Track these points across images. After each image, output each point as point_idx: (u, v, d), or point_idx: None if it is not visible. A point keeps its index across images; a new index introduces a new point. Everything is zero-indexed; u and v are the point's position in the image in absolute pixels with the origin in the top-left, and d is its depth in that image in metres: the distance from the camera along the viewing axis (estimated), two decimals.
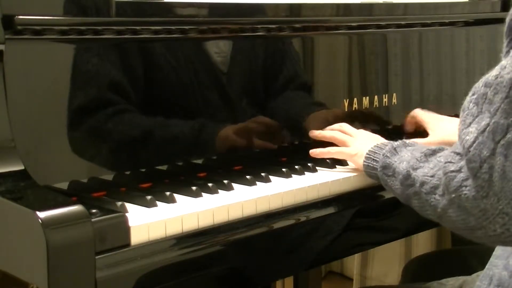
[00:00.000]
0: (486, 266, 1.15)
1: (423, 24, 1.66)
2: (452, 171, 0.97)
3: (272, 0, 1.37)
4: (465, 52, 1.78)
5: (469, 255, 1.55)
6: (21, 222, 0.92)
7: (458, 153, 0.98)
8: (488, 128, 0.93)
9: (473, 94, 0.97)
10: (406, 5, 1.61)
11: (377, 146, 1.22)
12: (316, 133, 1.39)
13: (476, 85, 0.98)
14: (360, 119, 1.51)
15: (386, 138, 1.36)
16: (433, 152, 1.08)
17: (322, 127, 1.42)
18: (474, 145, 0.93)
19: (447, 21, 1.72)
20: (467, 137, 0.94)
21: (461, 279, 1.29)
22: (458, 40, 1.77)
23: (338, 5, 1.48)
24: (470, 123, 0.95)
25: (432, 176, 1.03)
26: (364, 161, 1.23)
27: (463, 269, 1.37)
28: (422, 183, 1.05)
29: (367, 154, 1.22)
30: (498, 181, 0.91)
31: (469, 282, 1.26)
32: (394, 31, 1.61)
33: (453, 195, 0.97)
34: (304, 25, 1.43)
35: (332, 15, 1.48)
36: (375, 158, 1.20)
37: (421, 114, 1.56)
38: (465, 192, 0.95)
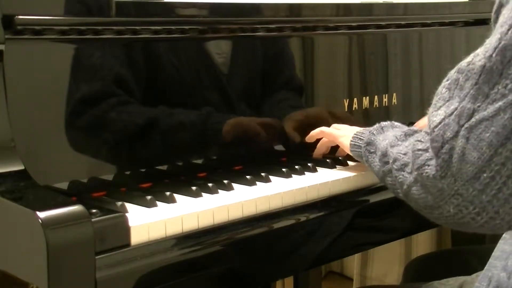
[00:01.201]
0: (485, 267, 1.15)
1: (423, 24, 1.66)
2: (420, 150, 0.99)
3: (272, 0, 1.37)
4: (465, 52, 1.77)
5: (469, 255, 1.55)
6: (21, 222, 0.92)
7: (428, 133, 1.00)
8: (455, 112, 0.95)
9: (447, 80, 0.99)
10: (406, 5, 1.61)
11: (366, 128, 1.24)
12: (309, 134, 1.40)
13: (451, 71, 1.00)
14: (356, 120, 1.52)
15: None
16: (413, 132, 1.10)
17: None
18: (439, 126, 0.95)
19: (447, 21, 1.72)
20: (435, 118, 0.97)
21: (461, 279, 1.29)
22: (458, 40, 1.77)
23: (338, 5, 1.48)
24: (440, 107, 0.97)
25: (404, 154, 1.05)
26: (351, 140, 1.24)
27: (463, 269, 1.37)
28: (395, 160, 1.06)
29: (355, 134, 1.24)
30: (456, 162, 0.93)
31: (469, 282, 1.26)
32: (394, 31, 1.61)
33: (416, 173, 0.99)
34: (304, 25, 1.43)
35: (332, 15, 1.48)
36: (361, 137, 1.22)
37: None
38: (427, 170, 0.97)
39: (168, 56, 1.23)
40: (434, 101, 1.00)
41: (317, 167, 1.31)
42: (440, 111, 0.97)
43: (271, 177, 1.23)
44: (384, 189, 1.23)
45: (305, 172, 1.28)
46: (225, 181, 1.16)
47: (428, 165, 0.97)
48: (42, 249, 0.87)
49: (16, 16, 1.03)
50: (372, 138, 1.18)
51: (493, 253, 1.15)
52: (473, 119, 0.93)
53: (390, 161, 1.08)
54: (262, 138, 1.36)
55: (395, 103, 1.60)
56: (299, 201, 1.18)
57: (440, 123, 0.96)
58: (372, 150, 1.17)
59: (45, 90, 1.09)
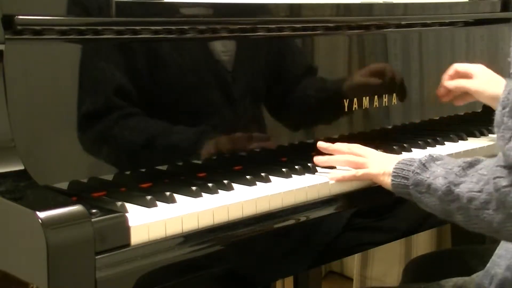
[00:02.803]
0: (488, 265, 1.15)
1: (423, 24, 1.66)
2: (505, 186, 0.97)
3: (273, 0, 1.37)
4: (465, 52, 1.78)
5: (469, 256, 1.55)
6: (21, 222, 0.92)
7: (505, 167, 0.97)
8: None
9: (503, 108, 0.97)
10: (406, 5, 1.61)
11: (402, 163, 1.19)
12: (324, 159, 1.31)
13: (504, 97, 0.97)
14: (352, 120, 1.51)
15: (387, 137, 1.36)
16: (470, 165, 1.07)
17: None
18: None
19: (447, 21, 1.72)
20: (511, 153, 0.94)
21: (461, 280, 1.29)
22: (458, 40, 1.77)
23: (338, 5, 1.48)
24: (511, 137, 0.95)
25: (479, 192, 1.02)
26: (393, 180, 1.19)
27: (463, 269, 1.37)
28: (470, 199, 1.03)
29: (393, 172, 1.19)
30: None
31: (468, 283, 1.26)
32: (394, 31, 1.61)
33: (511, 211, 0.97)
34: (304, 25, 1.42)
35: (332, 15, 1.48)
36: (404, 176, 1.17)
37: (464, 66, 1.53)
38: None
39: (168, 56, 1.23)
40: (499, 133, 0.97)
41: (317, 167, 1.31)
42: None
43: (271, 177, 1.23)
44: (384, 190, 1.23)
45: (305, 172, 1.28)
46: (225, 181, 1.16)
47: None
48: (42, 249, 0.87)
49: (16, 16, 1.03)
50: (419, 178, 1.14)
51: (496, 251, 1.14)
52: None
53: (463, 201, 1.05)
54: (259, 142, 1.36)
55: (395, 103, 1.60)
56: (299, 201, 1.18)
57: None
58: (423, 191, 1.13)
59: (45, 90, 1.09)
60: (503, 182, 0.97)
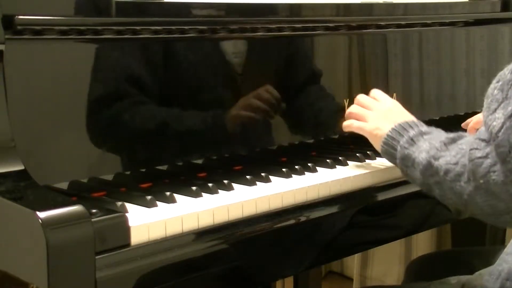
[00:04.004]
0: (496, 262, 1.15)
1: (423, 24, 1.66)
2: (479, 158, 0.97)
3: (273, 0, 1.37)
4: (465, 52, 1.78)
5: (472, 256, 1.55)
6: (21, 222, 0.92)
7: (483, 140, 0.98)
8: None
9: (497, 81, 0.97)
10: (406, 5, 1.62)
11: (396, 131, 1.19)
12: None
13: (501, 72, 0.98)
14: None
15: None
16: (452, 140, 1.09)
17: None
18: (502, 130, 0.93)
19: (447, 21, 1.72)
20: (494, 123, 0.95)
21: (463, 278, 1.29)
22: (458, 40, 1.77)
23: (338, 5, 1.48)
24: (496, 109, 0.95)
25: (455, 164, 1.03)
26: (382, 146, 1.21)
27: (466, 269, 1.37)
28: (446, 172, 1.05)
29: (384, 139, 1.20)
30: None
31: (473, 280, 1.26)
32: (394, 31, 1.61)
33: (481, 181, 0.97)
34: (304, 25, 1.42)
35: (332, 15, 1.48)
36: (393, 146, 1.18)
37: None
38: (493, 177, 0.95)
39: (168, 56, 1.23)
40: (486, 104, 0.98)
41: (317, 167, 1.31)
42: (497, 114, 0.95)
43: (271, 177, 1.23)
44: (384, 189, 1.23)
45: (305, 172, 1.28)
46: (225, 181, 1.16)
47: (494, 172, 0.95)
48: (42, 249, 0.87)
49: (16, 16, 1.03)
50: (406, 153, 1.15)
51: (505, 249, 1.15)
52: None
53: (441, 173, 1.06)
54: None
55: None
56: (299, 201, 1.18)
57: (502, 127, 0.93)
58: (409, 164, 1.14)
59: (45, 90, 1.09)
60: (478, 154, 0.98)
